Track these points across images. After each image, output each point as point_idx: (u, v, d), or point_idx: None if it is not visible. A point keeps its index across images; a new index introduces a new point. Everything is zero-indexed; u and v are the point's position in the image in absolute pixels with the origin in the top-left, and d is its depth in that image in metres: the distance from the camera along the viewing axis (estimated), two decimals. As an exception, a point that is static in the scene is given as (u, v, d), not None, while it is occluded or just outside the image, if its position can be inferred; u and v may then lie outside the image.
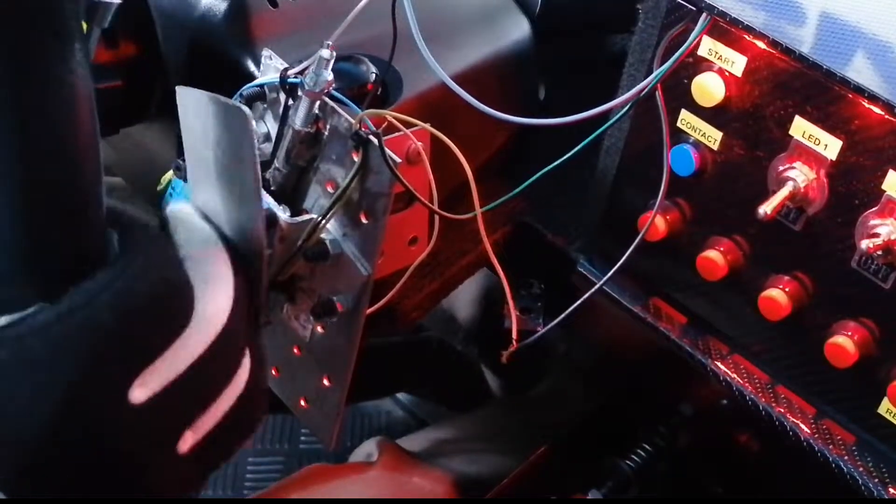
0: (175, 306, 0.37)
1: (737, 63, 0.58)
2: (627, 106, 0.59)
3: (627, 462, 0.83)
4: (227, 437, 0.40)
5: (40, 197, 0.35)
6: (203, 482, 0.41)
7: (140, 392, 0.35)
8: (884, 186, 0.54)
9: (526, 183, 0.62)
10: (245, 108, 0.49)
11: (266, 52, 0.57)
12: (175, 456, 0.38)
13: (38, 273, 0.35)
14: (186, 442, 0.38)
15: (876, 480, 0.60)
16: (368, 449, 0.86)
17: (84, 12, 0.58)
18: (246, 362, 0.41)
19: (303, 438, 1.30)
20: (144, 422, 0.35)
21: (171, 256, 0.38)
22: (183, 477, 0.39)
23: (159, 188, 0.63)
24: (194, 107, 0.52)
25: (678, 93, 0.62)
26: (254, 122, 0.50)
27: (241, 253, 0.44)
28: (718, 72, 0.59)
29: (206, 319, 0.38)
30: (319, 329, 0.57)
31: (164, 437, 0.37)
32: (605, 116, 0.59)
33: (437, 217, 0.57)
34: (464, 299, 1.04)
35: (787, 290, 0.60)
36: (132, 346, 0.35)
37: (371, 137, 0.51)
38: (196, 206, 0.51)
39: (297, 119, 0.54)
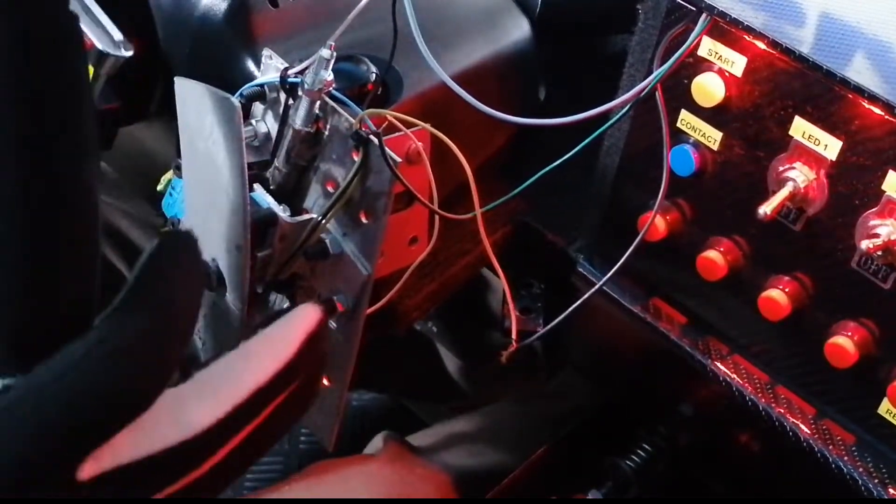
0: (129, 397, 0.35)
1: (737, 63, 0.58)
2: (627, 106, 0.59)
3: (627, 462, 0.83)
4: None
5: (30, 270, 0.35)
6: None
7: (91, 467, 0.35)
8: (884, 187, 0.54)
9: (526, 183, 0.62)
10: (234, 100, 0.49)
11: (266, 52, 0.57)
12: None
13: (8, 350, 0.36)
14: None
15: (876, 480, 0.60)
16: (377, 444, 0.87)
17: (93, 58, 0.58)
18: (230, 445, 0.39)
19: (303, 438, 1.30)
20: (88, 498, 0.35)
21: (143, 347, 0.36)
22: None
23: (159, 188, 0.63)
24: (191, 99, 0.52)
25: (678, 93, 0.62)
26: (241, 114, 0.50)
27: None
28: (718, 72, 0.59)
29: (186, 420, 0.37)
30: (319, 329, 0.57)
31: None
32: (605, 116, 0.59)
33: (437, 217, 0.57)
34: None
35: (787, 290, 0.60)
36: (77, 431, 0.34)
37: (371, 137, 0.51)
38: (189, 205, 0.51)
39: (298, 119, 0.54)
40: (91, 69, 0.59)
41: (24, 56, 0.33)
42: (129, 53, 0.59)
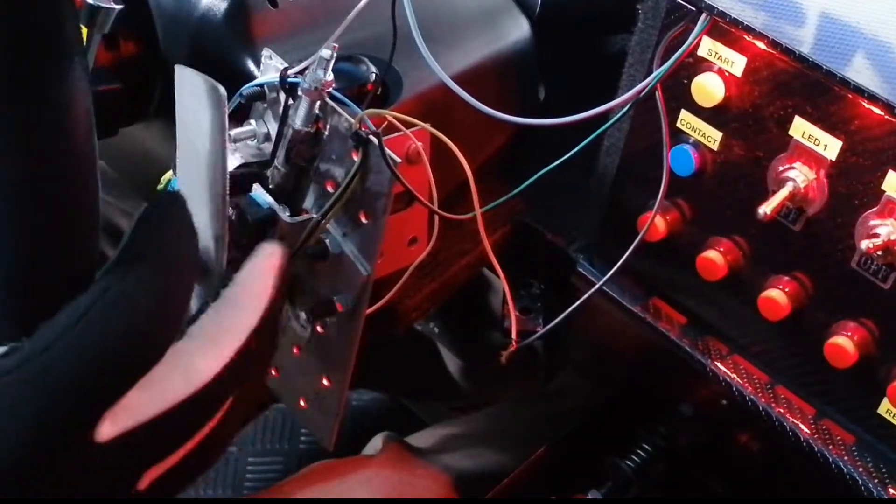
0: (138, 348, 0.35)
1: (737, 63, 0.58)
2: (627, 106, 0.59)
3: (627, 462, 0.83)
4: (186, 474, 0.40)
5: (28, 228, 0.35)
6: None
7: (108, 429, 0.35)
8: (884, 187, 0.54)
9: (526, 183, 0.62)
10: (220, 87, 0.49)
11: (266, 52, 0.57)
12: (132, 492, 0.37)
13: (11, 311, 0.36)
14: (146, 480, 0.37)
15: (876, 480, 0.60)
16: (376, 444, 0.87)
17: (84, 17, 0.58)
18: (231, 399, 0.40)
19: (303, 438, 1.30)
20: (108, 460, 0.35)
21: (145, 293, 0.36)
22: None
23: (159, 188, 0.63)
24: (187, 88, 0.52)
25: (678, 93, 0.62)
26: (225, 100, 0.50)
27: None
28: (718, 72, 0.59)
29: (194, 371, 0.37)
30: (319, 329, 0.57)
31: (126, 476, 0.37)
32: (605, 116, 0.59)
33: (436, 217, 0.57)
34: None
35: (786, 290, 0.60)
36: (90, 391, 0.34)
37: (371, 137, 0.51)
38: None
39: (297, 119, 0.54)
40: (84, 31, 0.58)
41: None
42: (120, 6, 0.58)
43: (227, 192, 0.51)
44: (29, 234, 0.35)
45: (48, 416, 0.33)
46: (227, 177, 0.51)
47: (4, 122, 0.34)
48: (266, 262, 0.43)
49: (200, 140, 0.51)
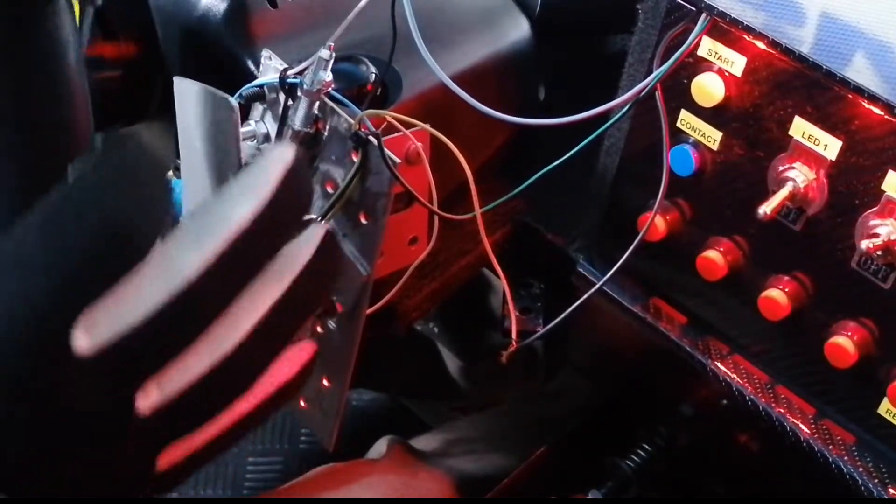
0: (111, 247, 0.32)
1: (736, 63, 0.58)
2: (627, 106, 0.59)
3: (627, 462, 0.83)
4: (209, 404, 0.36)
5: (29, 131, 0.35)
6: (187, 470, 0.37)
7: (85, 342, 0.32)
8: (884, 186, 0.54)
9: (526, 183, 0.62)
10: (232, 100, 0.49)
11: (266, 53, 0.57)
12: (134, 418, 0.34)
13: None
14: (149, 397, 0.34)
15: (876, 480, 0.60)
16: (380, 448, 0.87)
17: None
18: (244, 324, 0.36)
19: (303, 438, 1.30)
20: (94, 377, 0.32)
21: (120, 189, 0.34)
22: (146, 442, 0.35)
23: (159, 188, 0.63)
24: (190, 98, 0.52)
25: (678, 93, 0.62)
26: (238, 114, 0.50)
27: None
28: (718, 72, 0.59)
29: (178, 269, 0.34)
30: (319, 329, 0.57)
31: (119, 395, 0.34)
32: (605, 116, 0.59)
33: (436, 217, 0.57)
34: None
35: (787, 290, 0.60)
36: (59, 294, 0.32)
37: (370, 138, 0.51)
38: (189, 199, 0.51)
39: (297, 119, 0.54)
40: (76, 5, 0.58)
41: None
42: None
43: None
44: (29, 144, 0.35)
45: (16, 320, 0.31)
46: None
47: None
48: (273, 161, 0.37)
49: (208, 150, 0.51)
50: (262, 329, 0.36)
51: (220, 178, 0.51)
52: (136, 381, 0.34)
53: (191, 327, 0.35)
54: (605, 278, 0.66)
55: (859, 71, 0.54)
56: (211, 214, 0.36)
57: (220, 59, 0.64)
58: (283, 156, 0.36)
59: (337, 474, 0.83)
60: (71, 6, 0.37)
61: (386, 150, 0.50)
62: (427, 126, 0.54)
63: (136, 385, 0.34)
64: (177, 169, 0.60)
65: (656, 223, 0.65)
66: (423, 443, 0.90)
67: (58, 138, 0.36)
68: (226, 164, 0.51)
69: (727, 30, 0.58)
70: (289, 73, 0.55)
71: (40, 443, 0.33)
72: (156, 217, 0.34)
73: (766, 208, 0.57)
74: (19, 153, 0.35)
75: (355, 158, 0.52)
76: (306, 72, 0.53)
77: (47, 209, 0.32)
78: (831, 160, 0.56)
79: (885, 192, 0.54)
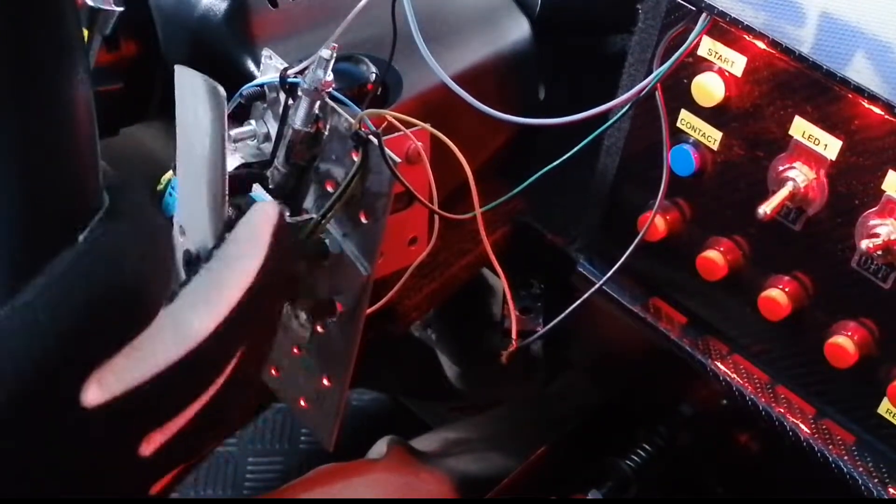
0: (121, 310, 0.34)
1: (737, 63, 0.58)
2: (627, 106, 0.59)
3: (627, 462, 0.83)
4: (197, 439, 0.38)
5: (29, 200, 0.35)
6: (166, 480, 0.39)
7: (96, 394, 0.33)
8: (884, 186, 0.54)
9: (526, 183, 0.62)
10: (220, 88, 0.49)
11: (266, 52, 0.57)
12: (136, 458, 0.36)
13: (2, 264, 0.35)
14: (151, 444, 0.36)
15: (876, 480, 0.60)
16: (380, 448, 0.87)
17: (85, 19, 0.58)
18: (232, 363, 0.39)
19: (303, 438, 1.30)
20: (99, 426, 0.34)
21: (130, 252, 0.35)
22: (143, 478, 0.37)
23: (159, 188, 0.63)
24: (187, 88, 0.52)
25: (678, 93, 0.62)
26: (224, 100, 0.50)
27: None
28: (718, 72, 0.59)
29: (186, 330, 0.36)
30: (319, 329, 0.57)
31: (123, 442, 0.35)
32: (605, 116, 0.59)
33: (436, 217, 0.57)
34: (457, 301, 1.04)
35: (787, 290, 0.60)
36: (69, 352, 0.33)
37: (371, 137, 0.51)
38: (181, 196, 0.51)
39: (297, 119, 0.54)
40: (85, 32, 0.58)
41: None
42: (121, 8, 0.58)
43: (227, 191, 0.51)
44: (31, 208, 0.35)
45: (27, 378, 0.32)
46: (227, 177, 0.51)
47: (8, 120, 0.34)
48: (260, 218, 0.41)
49: (200, 140, 0.51)
50: (233, 318, 0.38)
51: (204, 167, 0.51)
52: (142, 431, 0.36)
53: (197, 383, 0.37)
54: (605, 278, 0.66)
55: (859, 71, 0.54)
56: (211, 278, 0.38)
57: (221, 58, 0.64)
58: (269, 215, 0.40)
59: (337, 474, 0.83)
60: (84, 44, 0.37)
61: (386, 149, 0.50)
62: (427, 126, 0.54)
63: (141, 436, 0.36)
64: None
65: (656, 223, 0.65)
66: (423, 443, 0.90)
67: (66, 196, 0.36)
68: (208, 154, 0.51)
69: (727, 30, 0.58)
70: (289, 72, 0.55)
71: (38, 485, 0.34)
72: (162, 277, 0.36)
73: (766, 208, 0.57)
74: (26, 210, 0.35)
75: (356, 158, 0.52)
76: (307, 71, 0.53)
77: (57, 271, 0.33)
78: (831, 160, 0.56)
79: (885, 191, 0.54)
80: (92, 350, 0.34)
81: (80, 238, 0.34)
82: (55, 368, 0.33)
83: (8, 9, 0.32)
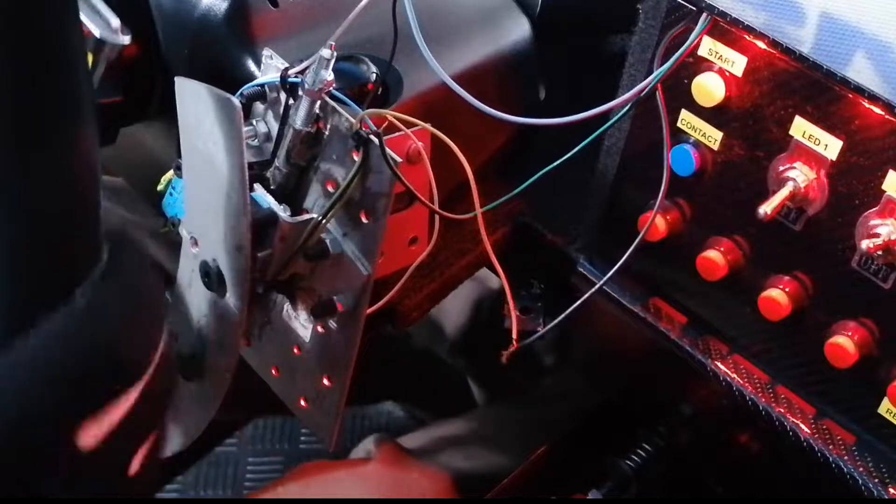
0: (110, 367, 0.36)
1: (737, 63, 0.58)
2: (627, 106, 0.59)
3: (627, 462, 0.83)
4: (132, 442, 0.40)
5: (29, 251, 0.36)
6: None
7: (91, 438, 0.35)
8: (884, 186, 0.54)
9: (526, 183, 0.62)
10: (235, 100, 0.49)
11: (267, 52, 0.57)
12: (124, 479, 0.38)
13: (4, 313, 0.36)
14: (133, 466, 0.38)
15: (876, 480, 0.60)
16: (367, 446, 0.86)
17: (92, 48, 0.58)
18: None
19: (303, 438, 1.30)
20: (92, 464, 0.35)
21: (123, 316, 0.37)
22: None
23: (159, 188, 0.63)
24: (191, 99, 0.52)
25: (678, 93, 0.62)
26: (241, 114, 0.50)
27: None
28: (718, 72, 0.59)
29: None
30: (319, 329, 0.57)
31: (110, 474, 0.37)
32: (605, 116, 0.59)
33: (437, 217, 0.57)
34: (456, 304, 1.04)
35: (787, 290, 0.60)
36: (62, 398, 0.35)
37: (371, 137, 0.51)
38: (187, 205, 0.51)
39: (298, 119, 0.54)
40: (90, 57, 0.58)
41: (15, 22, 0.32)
42: (127, 40, 0.58)
43: (249, 202, 0.51)
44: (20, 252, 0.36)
45: (32, 411, 0.34)
46: (248, 187, 0.51)
47: (12, 180, 0.34)
48: None
49: (213, 151, 0.51)
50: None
51: (222, 180, 0.51)
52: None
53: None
54: (605, 278, 0.66)
55: (859, 71, 0.54)
56: None
57: (221, 58, 0.64)
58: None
59: (326, 470, 0.83)
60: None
61: (387, 149, 0.50)
62: (428, 125, 0.54)
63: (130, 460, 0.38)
64: (178, 168, 0.60)
65: (657, 223, 0.65)
66: (413, 441, 0.89)
67: (65, 255, 0.37)
68: (229, 166, 0.51)
69: (728, 30, 0.58)
70: (290, 72, 0.55)
71: None
72: (149, 340, 0.38)
73: (766, 208, 0.57)
74: (25, 268, 0.35)
75: (356, 157, 0.52)
76: (307, 71, 0.53)
77: (54, 329, 0.35)
78: (832, 160, 0.56)
79: (885, 191, 0.54)
80: (79, 406, 0.35)
81: (78, 294, 0.35)
82: (46, 418, 0.34)
83: (19, 68, 0.33)
